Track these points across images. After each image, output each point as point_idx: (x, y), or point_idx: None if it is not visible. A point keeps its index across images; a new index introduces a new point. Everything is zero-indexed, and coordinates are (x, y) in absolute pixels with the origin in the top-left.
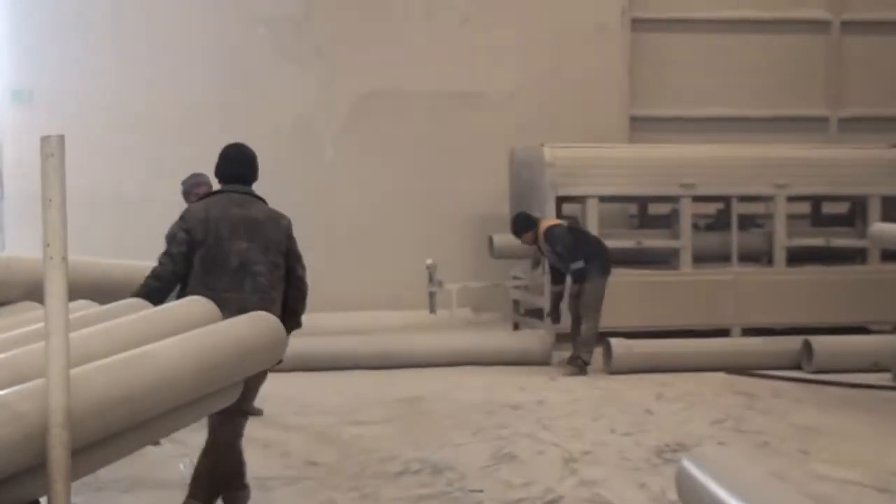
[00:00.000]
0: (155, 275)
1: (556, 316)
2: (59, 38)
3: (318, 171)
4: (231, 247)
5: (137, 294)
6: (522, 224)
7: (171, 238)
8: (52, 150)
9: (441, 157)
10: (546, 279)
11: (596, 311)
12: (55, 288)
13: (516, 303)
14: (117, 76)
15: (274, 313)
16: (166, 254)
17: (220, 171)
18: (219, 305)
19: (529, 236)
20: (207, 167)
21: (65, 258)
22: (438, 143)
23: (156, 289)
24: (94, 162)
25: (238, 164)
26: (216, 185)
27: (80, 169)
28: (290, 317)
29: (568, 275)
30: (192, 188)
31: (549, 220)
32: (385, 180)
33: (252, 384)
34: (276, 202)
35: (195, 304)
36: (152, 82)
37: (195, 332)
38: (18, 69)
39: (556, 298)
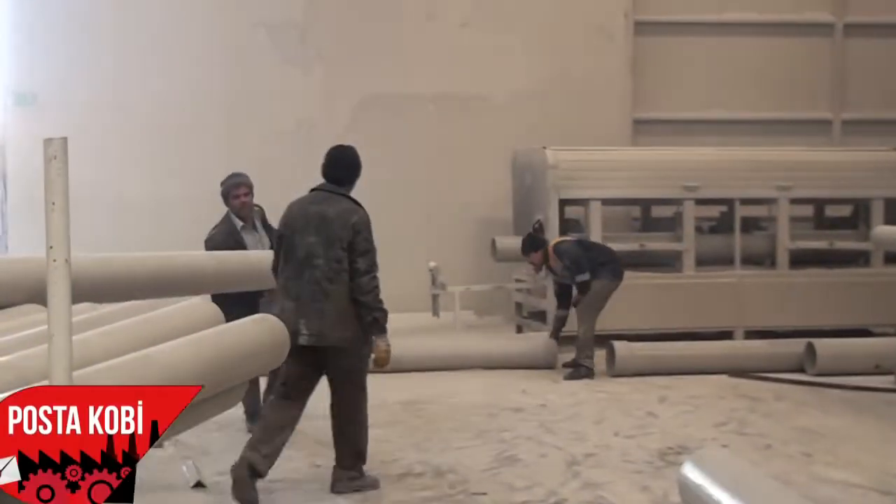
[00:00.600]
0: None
1: (557, 338)
2: (63, 42)
3: (320, 174)
4: (301, 240)
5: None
6: (532, 244)
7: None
8: (55, 152)
9: (443, 160)
10: (550, 296)
11: (596, 311)
12: (58, 290)
13: (519, 305)
14: (121, 79)
15: (329, 305)
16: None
17: (322, 170)
18: (284, 291)
19: (538, 256)
20: (210, 169)
21: (68, 261)
22: (441, 146)
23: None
24: (97, 165)
25: (331, 166)
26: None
27: (84, 172)
28: (362, 311)
29: (574, 286)
30: (232, 189)
31: (557, 238)
32: (387, 183)
33: (350, 366)
34: (278, 205)
35: (198, 307)
36: (156, 86)
37: (198, 335)
38: (22, 72)
39: (560, 323)
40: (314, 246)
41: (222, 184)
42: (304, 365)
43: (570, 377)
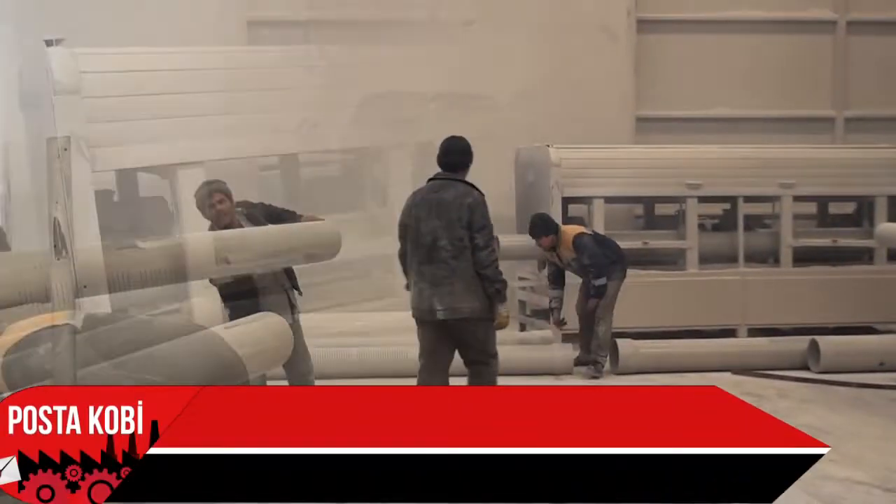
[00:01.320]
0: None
1: (559, 320)
2: (64, 41)
3: (327, 173)
4: (426, 226)
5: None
6: (544, 227)
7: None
8: (59, 150)
9: None
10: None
11: (612, 310)
12: (62, 288)
13: (522, 304)
14: None
15: (457, 280)
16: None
17: (437, 160)
18: (418, 276)
19: (548, 240)
20: (211, 170)
21: (70, 258)
22: None
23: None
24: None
25: (446, 154)
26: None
27: (85, 171)
28: (485, 283)
29: (580, 276)
30: (205, 199)
31: (573, 227)
32: (388, 182)
33: (483, 335)
34: (280, 204)
35: (198, 306)
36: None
37: (198, 335)
38: (23, 72)
39: (559, 303)
40: (438, 230)
41: (195, 194)
42: (436, 341)
43: (592, 374)
